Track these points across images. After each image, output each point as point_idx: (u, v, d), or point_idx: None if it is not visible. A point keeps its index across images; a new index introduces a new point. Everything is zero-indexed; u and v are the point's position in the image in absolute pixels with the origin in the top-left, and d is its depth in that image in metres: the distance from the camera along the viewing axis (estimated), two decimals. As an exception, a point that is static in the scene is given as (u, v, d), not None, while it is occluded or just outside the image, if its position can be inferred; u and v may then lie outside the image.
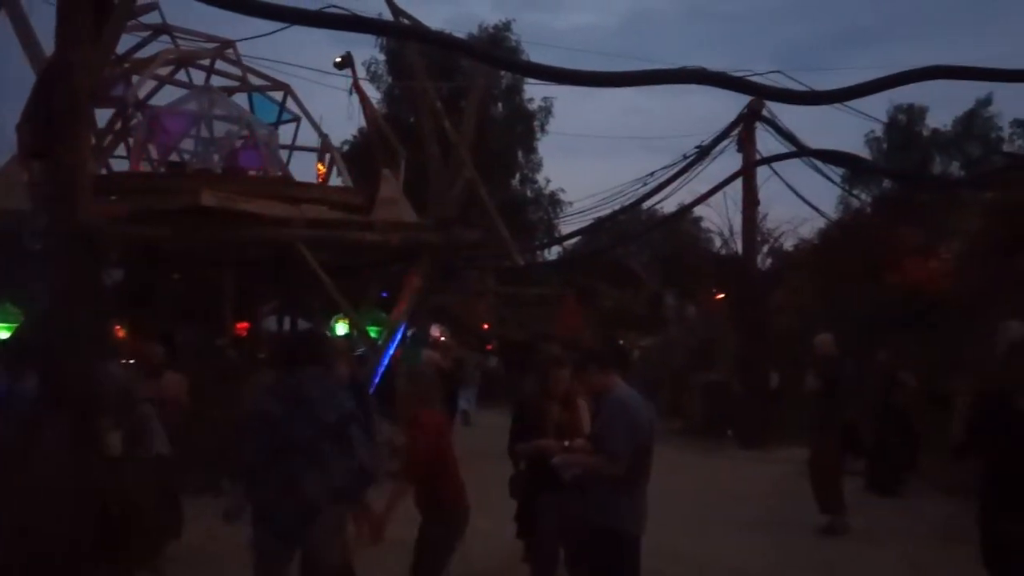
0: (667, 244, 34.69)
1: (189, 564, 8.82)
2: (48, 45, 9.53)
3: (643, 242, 35.52)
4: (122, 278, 16.90)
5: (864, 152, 38.69)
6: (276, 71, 18.96)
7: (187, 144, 17.70)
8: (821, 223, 24.38)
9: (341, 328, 17.77)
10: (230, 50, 18.61)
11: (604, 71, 8.89)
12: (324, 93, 32.70)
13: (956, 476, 12.83)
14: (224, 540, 8.31)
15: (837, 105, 13.65)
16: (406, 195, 17.21)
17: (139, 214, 13.66)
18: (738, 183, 20.31)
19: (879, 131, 39.90)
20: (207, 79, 19.00)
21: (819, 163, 19.78)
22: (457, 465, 6.89)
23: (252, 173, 17.39)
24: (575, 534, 6.55)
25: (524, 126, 38.50)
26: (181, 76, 19.19)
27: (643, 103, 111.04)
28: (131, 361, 10.32)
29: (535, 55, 34.91)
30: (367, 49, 38.13)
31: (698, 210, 26.64)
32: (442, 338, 20.88)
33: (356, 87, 18.67)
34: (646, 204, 25.78)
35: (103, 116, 17.52)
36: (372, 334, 16.14)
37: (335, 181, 19.07)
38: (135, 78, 17.15)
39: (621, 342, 24.20)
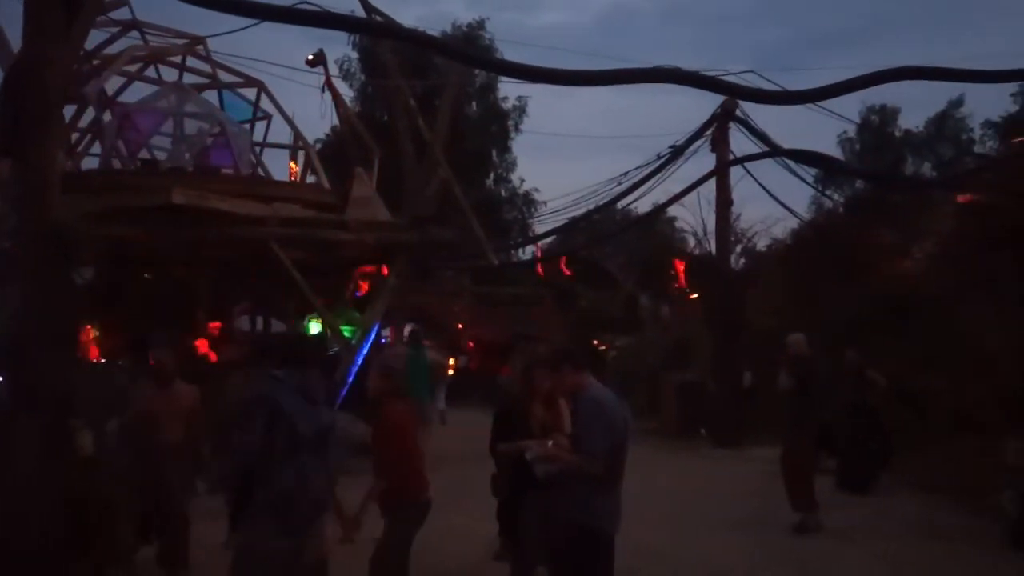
0: (642, 245, 34.75)
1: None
2: (16, 42, 9.42)
3: (619, 243, 35.55)
4: (92, 278, 16.73)
5: (837, 153, 39.01)
6: (248, 68, 18.79)
7: (161, 142, 17.55)
8: (794, 223, 24.52)
9: (315, 328, 17.70)
10: (200, 46, 18.47)
11: (579, 70, 8.90)
12: (296, 91, 32.50)
13: (928, 474, 12.99)
14: (201, 541, 8.25)
15: (810, 106, 13.73)
16: (380, 194, 17.13)
17: (110, 213, 13.54)
18: (712, 183, 20.35)
19: (852, 132, 40.21)
20: (180, 76, 18.85)
21: (792, 163, 19.84)
22: (422, 460, 6.91)
23: (224, 171, 17.26)
24: (555, 532, 6.54)
25: (498, 125, 38.45)
26: (151, 72, 19.03)
27: (618, 103, 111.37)
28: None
29: (509, 54, 35.03)
30: (340, 47, 38.07)
31: (672, 210, 26.76)
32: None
33: (329, 85, 18.57)
34: (620, 204, 25.87)
35: (68, 112, 17.32)
36: (346, 334, 16.08)
37: (312, 180, 18.97)
38: (102, 74, 16.97)
39: (596, 342, 24.29)
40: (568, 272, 30.30)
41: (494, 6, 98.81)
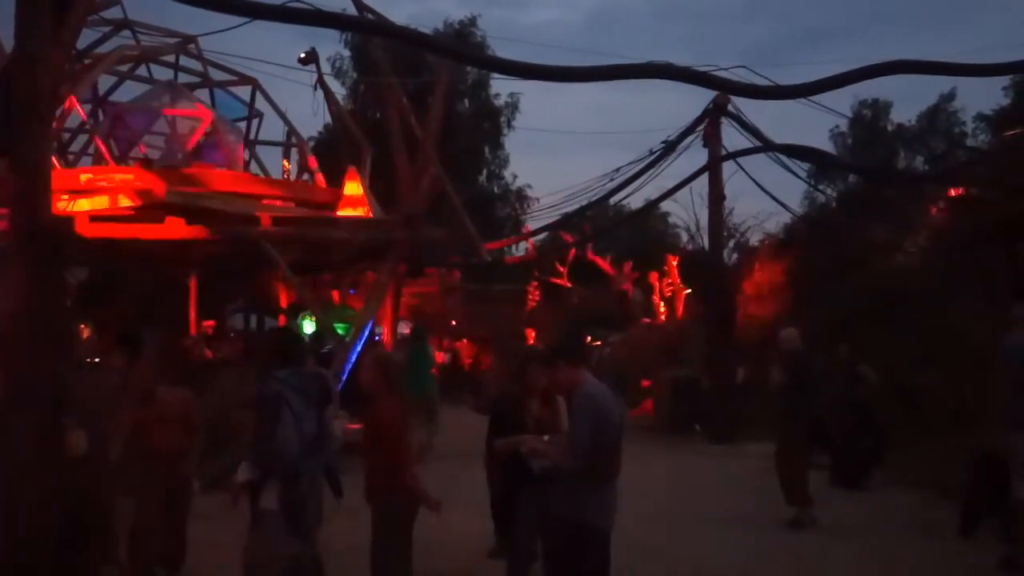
0: (635, 240, 34.78)
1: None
2: (7, 41, 9.40)
3: (611, 238, 35.57)
4: (85, 277, 16.72)
5: (829, 147, 39.09)
6: (240, 67, 18.78)
7: (156, 141, 17.54)
8: (787, 218, 24.57)
9: (308, 325, 17.68)
10: (192, 45, 18.44)
11: (570, 66, 8.92)
12: (289, 89, 32.49)
13: (921, 470, 13.00)
14: (196, 542, 8.24)
15: (802, 100, 13.70)
16: (372, 192, 17.13)
17: (102, 211, 13.52)
18: (704, 178, 20.37)
19: (844, 126, 40.28)
20: (175, 76, 18.83)
21: (784, 158, 19.87)
22: (411, 456, 6.90)
23: (217, 170, 17.24)
24: (550, 529, 6.54)
25: (491, 122, 38.47)
26: (142, 71, 19.00)
27: (610, 99, 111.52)
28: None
29: (501, 51, 34.98)
30: (332, 45, 37.95)
31: (665, 206, 26.82)
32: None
33: (321, 83, 18.56)
34: (613, 200, 25.90)
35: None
36: (339, 331, 16.07)
37: (307, 178, 18.96)
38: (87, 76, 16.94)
39: (590, 338, 24.31)
40: (566, 280, 30.25)
41: (485, 3, 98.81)
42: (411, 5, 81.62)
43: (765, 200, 24.90)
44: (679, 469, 15.12)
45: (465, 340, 30.85)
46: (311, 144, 29.75)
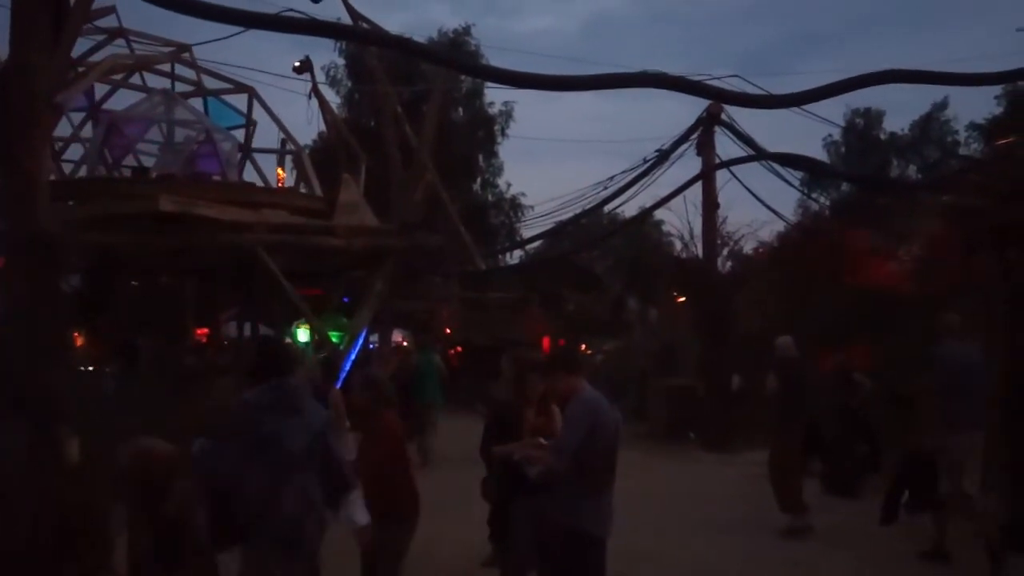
0: (629, 248, 34.80)
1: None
2: (3, 49, 9.40)
3: (606, 246, 35.60)
4: (80, 284, 16.72)
5: (822, 156, 39.16)
6: (235, 75, 18.82)
7: (151, 149, 17.56)
8: (781, 226, 24.59)
9: (303, 334, 17.68)
10: (187, 54, 18.47)
11: (564, 75, 8.96)
12: (283, 98, 32.52)
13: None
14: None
15: (795, 109, 13.78)
16: (367, 200, 17.15)
17: (98, 219, 13.52)
18: (698, 187, 20.43)
19: (837, 135, 40.35)
20: (172, 84, 18.86)
21: (778, 166, 19.93)
22: (412, 471, 6.87)
23: (213, 178, 17.26)
24: (545, 537, 6.53)
25: (485, 130, 38.46)
26: (136, 80, 19.02)
27: (604, 107, 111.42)
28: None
29: (495, 59, 34.84)
30: (327, 54, 37.99)
31: (659, 214, 26.77)
32: (404, 343, 20.80)
33: (315, 91, 18.60)
34: (607, 208, 25.94)
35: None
36: (334, 339, 16.07)
37: (303, 186, 18.98)
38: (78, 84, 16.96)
39: (584, 346, 24.32)
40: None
41: (479, 12, 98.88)
42: (405, 14, 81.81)
43: (759, 208, 25.03)
44: (675, 476, 15.12)
45: (459, 348, 30.78)
46: (305, 152, 29.79)
